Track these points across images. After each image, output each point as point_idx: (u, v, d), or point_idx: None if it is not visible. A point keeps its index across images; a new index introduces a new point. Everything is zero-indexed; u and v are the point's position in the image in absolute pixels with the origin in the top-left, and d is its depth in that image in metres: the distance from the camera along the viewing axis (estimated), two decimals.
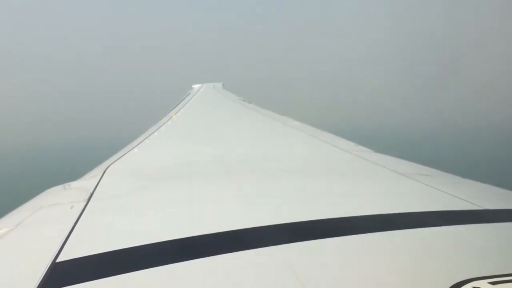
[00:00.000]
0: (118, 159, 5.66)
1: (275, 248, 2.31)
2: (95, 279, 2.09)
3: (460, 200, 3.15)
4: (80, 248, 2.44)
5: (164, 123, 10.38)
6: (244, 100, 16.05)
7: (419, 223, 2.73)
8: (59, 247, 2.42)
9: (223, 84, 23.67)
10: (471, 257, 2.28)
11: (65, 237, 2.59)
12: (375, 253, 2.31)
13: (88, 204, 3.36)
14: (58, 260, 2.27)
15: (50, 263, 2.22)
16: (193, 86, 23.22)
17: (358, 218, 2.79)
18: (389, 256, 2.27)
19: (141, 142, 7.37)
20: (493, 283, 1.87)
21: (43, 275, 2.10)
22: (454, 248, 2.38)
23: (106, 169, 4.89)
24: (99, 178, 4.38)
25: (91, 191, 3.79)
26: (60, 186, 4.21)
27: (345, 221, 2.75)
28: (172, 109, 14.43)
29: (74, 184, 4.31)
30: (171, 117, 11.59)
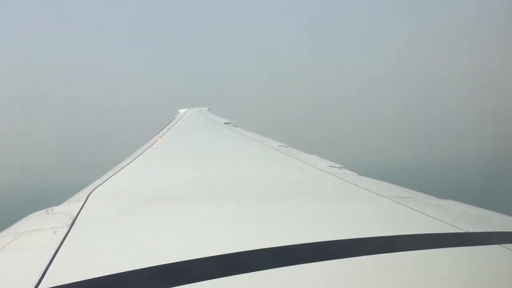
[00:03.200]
0: (102, 183, 5.60)
1: (261, 273, 2.31)
2: None
3: (441, 222, 3.21)
4: (62, 275, 2.40)
5: (149, 147, 10.33)
6: (230, 123, 16.09)
7: (400, 246, 2.76)
8: (41, 274, 2.37)
9: (209, 109, 23.69)
10: (451, 280, 2.31)
11: (47, 264, 2.54)
12: (357, 277, 2.33)
13: (71, 230, 3.31)
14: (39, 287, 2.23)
15: None
16: (178, 110, 23.20)
17: (341, 242, 2.81)
18: (371, 280, 2.29)
19: (126, 165, 7.32)
20: None
21: None
22: (436, 271, 2.41)
23: (90, 193, 4.83)
24: (83, 202, 4.32)
25: (75, 215, 3.74)
26: (43, 211, 4.14)
27: (328, 245, 2.76)
28: (157, 133, 14.36)
29: (57, 208, 4.25)
30: (156, 141, 11.55)
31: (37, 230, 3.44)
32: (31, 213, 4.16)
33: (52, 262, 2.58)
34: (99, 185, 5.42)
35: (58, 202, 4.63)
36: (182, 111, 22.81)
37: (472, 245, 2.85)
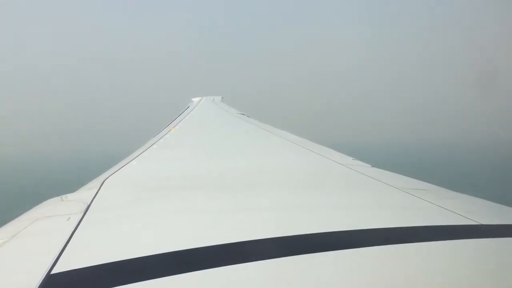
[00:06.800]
0: (116, 171, 5.66)
1: (272, 261, 2.31)
2: None
3: (456, 215, 3.17)
4: (76, 260, 2.43)
5: (163, 136, 10.40)
6: (244, 114, 16.08)
7: (415, 237, 2.73)
8: (55, 259, 2.41)
9: (222, 98, 23.72)
10: (467, 273, 2.28)
11: (61, 249, 2.58)
12: (370, 268, 2.31)
13: (85, 216, 3.35)
14: (53, 272, 2.26)
15: (45, 275, 2.21)
16: (192, 99, 23.27)
17: (353, 232, 2.80)
18: (384, 271, 2.27)
19: (140, 154, 7.38)
20: None
21: (37, 287, 2.10)
22: (451, 263, 2.38)
23: (104, 181, 4.88)
24: (97, 190, 4.37)
25: (88, 203, 3.79)
26: (57, 198, 4.20)
27: (341, 235, 2.76)
28: (171, 122, 14.43)
29: (71, 196, 4.30)
30: (170, 130, 11.61)
31: (52, 217, 3.49)
32: (44, 200, 4.22)
33: (66, 247, 2.62)
34: (113, 173, 5.47)
35: (72, 190, 4.68)
36: (195, 100, 22.88)
37: (486, 237, 2.81)
